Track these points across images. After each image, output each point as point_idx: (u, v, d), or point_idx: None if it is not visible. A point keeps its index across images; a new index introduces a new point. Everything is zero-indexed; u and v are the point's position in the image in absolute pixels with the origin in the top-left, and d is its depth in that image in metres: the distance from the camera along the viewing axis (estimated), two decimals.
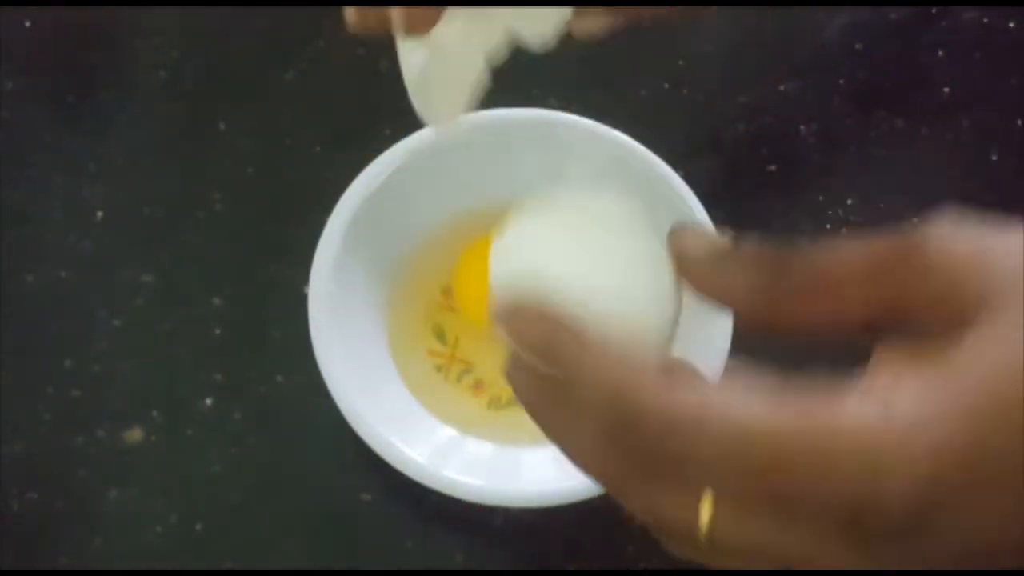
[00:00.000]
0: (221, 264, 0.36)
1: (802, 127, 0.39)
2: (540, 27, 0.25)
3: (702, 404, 0.17)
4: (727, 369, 0.30)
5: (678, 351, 0.32)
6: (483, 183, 0.35)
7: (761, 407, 0.17)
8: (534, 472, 0.31)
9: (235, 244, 0.37)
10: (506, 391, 0.33)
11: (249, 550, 0.33)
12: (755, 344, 0.35)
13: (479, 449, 0.32)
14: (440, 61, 0.25)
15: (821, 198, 0.38)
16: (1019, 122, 0.40)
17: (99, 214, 0.37)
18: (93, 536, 0.33)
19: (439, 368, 0.33)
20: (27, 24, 0.40)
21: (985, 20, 0.42)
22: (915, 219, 0.17)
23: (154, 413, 0.34)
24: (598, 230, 0.22)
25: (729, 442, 0.17)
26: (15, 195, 0.37)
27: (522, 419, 0.33)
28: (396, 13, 0.24)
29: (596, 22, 0.29)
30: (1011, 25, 0.42)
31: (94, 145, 0.38)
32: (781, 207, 0.38)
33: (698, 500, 0.17)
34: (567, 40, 0.25)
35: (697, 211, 0.32)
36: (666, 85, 0.40)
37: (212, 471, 0.34)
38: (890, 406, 0.16)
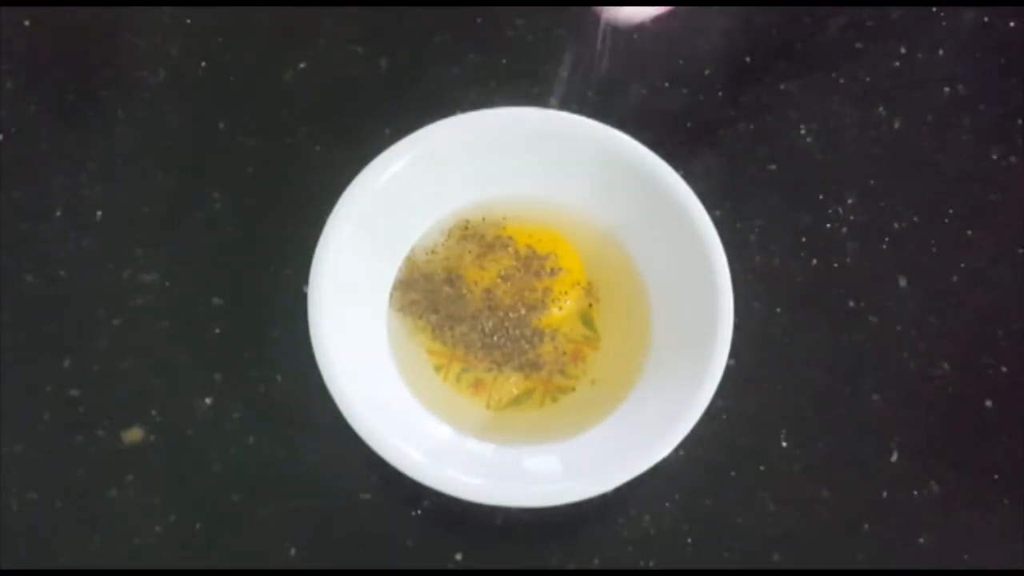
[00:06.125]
0: (221, 263, 0.36)
1: (802, 126, 0.39)
2: None
3: None
4: (727, 370, 0.30)
5: (679, 352, 0.32)
6: (483, 183, 0.35)
7: None
8: (534, 472, 0.31)
9: (235, 243, 0.37)
10: (506, 391, 0.33)
11: (248, 550, 0.33)
12: (755, 345, 0.35)
13: (479, 449, 0.32)
14: None
15: (821, 197, 0.38)
16: (1020, 121, 0.40)
17: (98, 213, 0.37)
18: (92, 535, 0.33)
19: (438, 368, 0.33)
20: (27, 23, 0.40)
21: (986, 19, 0.42)
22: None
23: (153, 413, 0.34)
24: None
25: None
26: (15, 194, 0.37)
27: (522, 419, 0.33)
28: None
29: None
30: (1012, 24, 0.42)
31: (93, 144, 0.38)
32: (781, 207, 0.38)
33: None
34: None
35: (697, 211, 0.32)
36: (666, 84, 0.40)
37: (211, 471, 0.34)
38: None
